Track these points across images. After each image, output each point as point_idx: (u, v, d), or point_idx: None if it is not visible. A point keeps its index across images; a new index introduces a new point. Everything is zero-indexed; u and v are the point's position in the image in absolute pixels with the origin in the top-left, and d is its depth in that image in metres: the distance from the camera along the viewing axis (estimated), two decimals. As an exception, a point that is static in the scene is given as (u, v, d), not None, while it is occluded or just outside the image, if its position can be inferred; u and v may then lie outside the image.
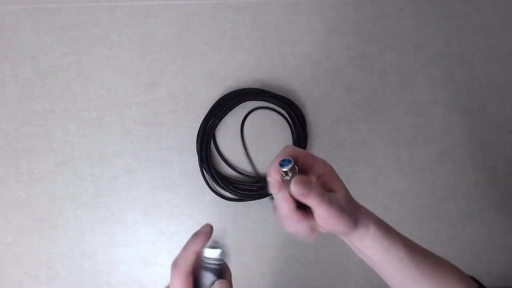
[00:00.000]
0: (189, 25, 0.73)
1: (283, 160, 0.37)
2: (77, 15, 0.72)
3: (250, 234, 0.71)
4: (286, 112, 0.71)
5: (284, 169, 0.36)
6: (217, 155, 0.72)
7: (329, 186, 0.40)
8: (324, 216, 0.38)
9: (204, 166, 0.70)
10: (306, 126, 0.71)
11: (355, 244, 0.42)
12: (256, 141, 0.71)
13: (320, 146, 0.72)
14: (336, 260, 0.71)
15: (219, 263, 0.37)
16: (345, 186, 0.41)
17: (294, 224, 0.40)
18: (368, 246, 0.41)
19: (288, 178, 0.37)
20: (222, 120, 0.71)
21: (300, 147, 0.70)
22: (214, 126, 0.71)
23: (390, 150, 0.72)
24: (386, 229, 0.42)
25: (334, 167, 0.42)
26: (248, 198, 0.69)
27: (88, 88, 0.71)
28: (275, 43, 0.73)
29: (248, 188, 0.69)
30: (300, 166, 0.39)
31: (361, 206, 0.42)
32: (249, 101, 0.71)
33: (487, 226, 0.72)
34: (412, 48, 0.74)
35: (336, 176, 0.41)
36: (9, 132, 0.71)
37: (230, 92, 0.71)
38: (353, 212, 0.40)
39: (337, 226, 0.38)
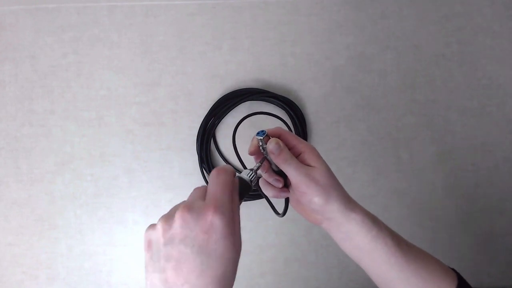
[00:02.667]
0: (189, 25, 0.73)
1: (261, 131, 0.44)
2: (77, 15, 0.72)
3: (250, 234, 0.71)
4: (286, 112, 0.71)
5: (259, 137, 0.43)
6: (217, 155, 0.72)
7: (306, 163, 0.43)
8: (294, 180, 0.42)
9: (204, 166, 0.70)
10: (306, 126, 0.71)
11: (343, 230, 0.43)
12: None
13: (320, 146, 0.72)
14: (336, 260, 0.71)
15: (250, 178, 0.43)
16: (325, 165, 0.43)
17: (268, 179, 0.46)
18: (357, 232, 0.42)
19: (264, 146, 0.44)
20: (222, 120, 0.71)
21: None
22: (214, 126, 0.71)
23: (390, 150, 0.72)
24: (373, 218, 0.44)
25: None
26: (248, 198, 0.69)
27: (88, 88, 0.71)
28: (275, 43, 0.73)
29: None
30: (283, 141, 0.44)
31: (348, 195, 0.44)
32: (249, 101, 0.71)
33: (487, 226, 0.72)
34: (412, 48, 0.74)
35: (316, 155, 0.44)
36: (9, 132, 0.71)
37: (230, 92, 0.71)
38: (329, 188, 0.42)
39: (310, 197, 0.41)
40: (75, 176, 0.70)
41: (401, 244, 0.43)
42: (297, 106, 0.71)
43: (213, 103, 0.71)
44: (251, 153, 0.46)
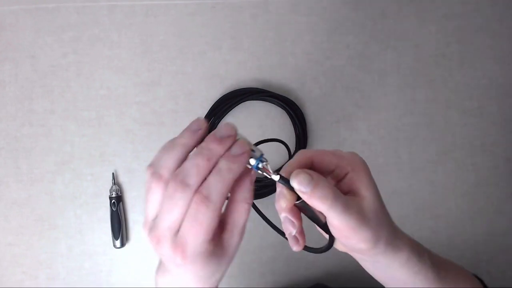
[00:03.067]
0: (189, 25, 0.73)
1: (260, 157, 0.30)
2: (77, 15, 0.72)
3: (250, 234, 0.71)
4: (286, 112, 0.71)
5: (251, 164, 0.30)
6: (217, 155, 0.72)
7: (354, 188, 0.33)
8: (337, 225, 0.31)
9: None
10: (306, 126, 0.71)
11: (381, 266, 0.36)
12: (255, 141, 0.71)
13: (320, 146, 0.72)
14: (336, 260, 0.71)
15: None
16: (376, 191, 0.33)
17: (283, 223, 0.34)
18: (396, 269, 0.36)
19: (274, 176, 0.31)
20: (222, 119, 0.71)
21: (300, 147, 0.70)
22: (214, 126, 0.71)
23: (390, 150, 0.72)
24: (419, 252, 0.37)
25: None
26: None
27: (88, 88, 0.71)
28: (275, 43, 0.73)
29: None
30: (318, 168, 0.33)
31: (395, 226, 0.36)
32: (249, 101, 0.71)
33: (487, 226, 0.72)
34: (412, 48, 0.74)
35: (366, 175, 0.33)
36: (9, 132, 0.71)
37: (230, 92, 0.71)
38: (380, 227, 0.32)
39: (356, 242, 0.32)
40: (75, 176, 0.70)
41: (440, 273, 0.38)
42: (297, 106, 0.71)
43: (213, 103, 0.71)
44: (285, 211, 0.33)
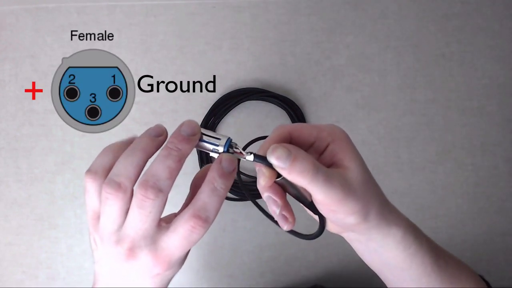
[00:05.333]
0: (189, 25, 0.73)
1: (227, 140, 0.30)
2: (77, 15, 0.72)
3: (250, 233, 0.71)
4: (286, 112, 0.71)
5: (215, 150, 0.30)
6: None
7: (336, 159, 0.31)
8: (322, 200, 0.29)
9: (204, 165, 0.70)
10: (306, 126, 0.71)
11: (374, 245, 0.34)
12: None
13: (320, 146, 0.72)
14: (336, 260, 0.71)
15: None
16: (360, 160, 0.31)
17: (268, 204, 0.32)
18: (391, 249, 0.34)
19: (248, 156, 0.30)
20: (222, 120, 0.71)
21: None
22: (214, 126, 0.71)
23: (390, 150, 0.72)
24: (415, 230, 0.35)
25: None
26: (248, 198, 0.69)
27: (88, 88, 0.71)
28: (275, 43, 0.73)
29: (248, 187, 0.69)
30: (297, 142, 0.31)
31: (386, 199, 0.34)
32: (249, 101, 0.71)
33: (487, 226, 0.72)
34: (412, 48, 0.74)
35: (348, 145, 0.31)
36: (9, 132, 0.71)
37: (230, 92, 0.71)
38: (368, 198, 0.30)
39: (344, 216, 0.30)
40: (75, 176, 0.70)
41: (439, 261, 0.36)
42: (297, 106, 0.71)
43: (213, 103, 0.71)
44: (265, 189, 0.31)
